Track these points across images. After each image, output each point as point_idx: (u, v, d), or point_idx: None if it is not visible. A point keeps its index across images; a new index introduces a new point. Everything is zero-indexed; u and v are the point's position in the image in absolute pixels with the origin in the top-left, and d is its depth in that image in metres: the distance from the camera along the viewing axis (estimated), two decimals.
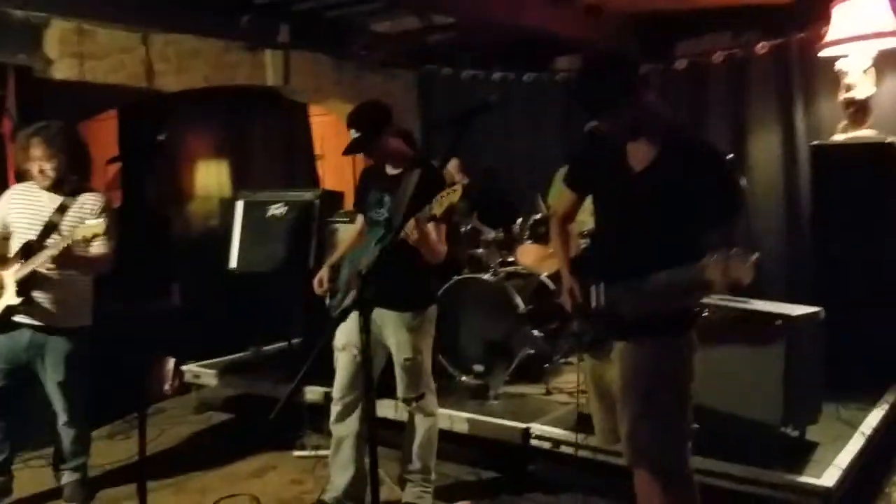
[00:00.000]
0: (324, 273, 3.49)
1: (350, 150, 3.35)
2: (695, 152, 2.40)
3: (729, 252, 2.12)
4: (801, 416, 3.48)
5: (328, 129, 7.66)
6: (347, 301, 3.31)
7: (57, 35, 4.69)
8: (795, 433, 3.47)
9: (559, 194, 2.93)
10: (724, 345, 3.46)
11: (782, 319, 3.40)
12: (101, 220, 3.25)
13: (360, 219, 3.60)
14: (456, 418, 4.01)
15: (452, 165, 5.53)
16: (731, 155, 4.02)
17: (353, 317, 3.28)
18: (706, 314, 3.53)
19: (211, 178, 6.50)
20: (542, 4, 5.00)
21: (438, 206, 3.00)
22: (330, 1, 5.27)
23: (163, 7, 4.91)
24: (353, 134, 3.30)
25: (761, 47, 5.17)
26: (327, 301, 3.50)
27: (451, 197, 2.99)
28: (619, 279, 2.43)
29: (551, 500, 3.58)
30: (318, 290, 3.48)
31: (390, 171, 3.42)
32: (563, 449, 3.64)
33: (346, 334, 3.35)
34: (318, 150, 7.05)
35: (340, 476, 3.44)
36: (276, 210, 5.24)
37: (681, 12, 5.37)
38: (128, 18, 4.90)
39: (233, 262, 5.26)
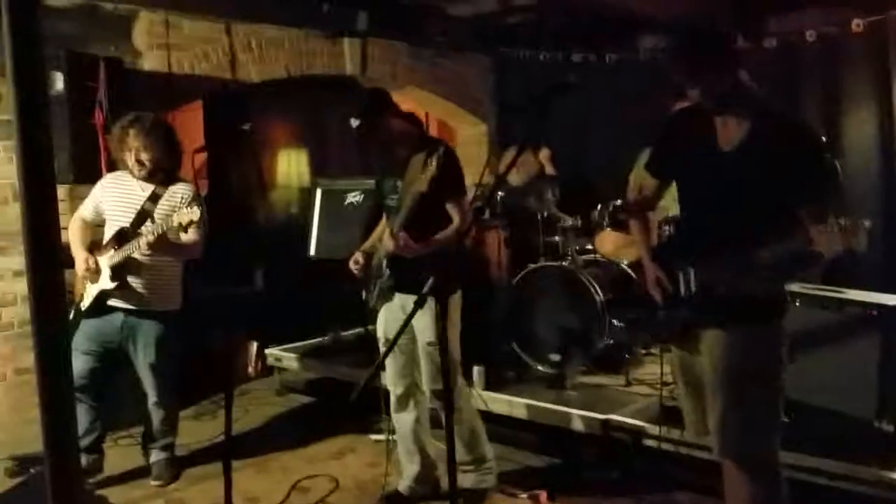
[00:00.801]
0: (357, 256, 3.43)
1: (358, 140, 3.31)
2: (788, 130, 2.30)
3: (837, 221, 2.03)
4: None
5: None
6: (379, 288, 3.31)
7: (145, 27, 4.85)
8: (890, 428, 3.31)
9: (640, 180, 2.83)
10: (817, 335, 3.32)
11: (878, 309, 3.24)
12: (197, 208, 3.33)
13: None
14: (532, 407, 3.98)
15: (544, 156, 5.46)
16: (825, 138, 3.86)
17: (388, 308, 3.32)
18: (798, 303, 3.41)
19: (291, 166, 6.63)
20: None
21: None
22: None
23: None
24: (354, 123, 3.23)
25: (857, 25, 4.91)
26: (363, 294, 3.45)
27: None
28: (713, 262, 2.33)
29: (631, 492, 3.52)
30: (353, 268, 3.41)
31: (402, 154, 3.32)
32: (646, 442, 3.57)
33: (384, 327, 3.37)
34: None
35: (409, 464, 3.47)
36: (353, 198, 5.30)
37: None
38: (212, 9, 5.03)
39: (312, 250, 5.36)
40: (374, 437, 4.24)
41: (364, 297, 3.46)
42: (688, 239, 2.55)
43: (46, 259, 1.01)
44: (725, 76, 2.31)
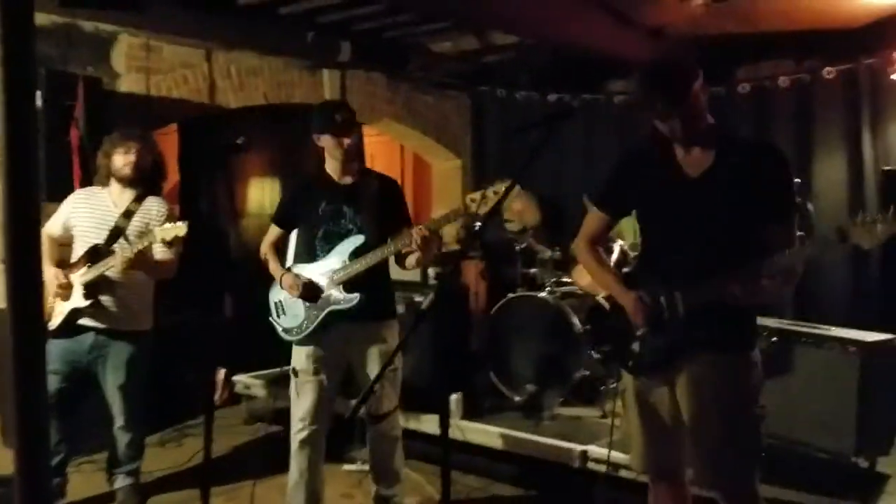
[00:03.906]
0: (296, 281, 3.22)
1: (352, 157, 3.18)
2: (752, 150, 2.35)
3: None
4: (873, 447, 3.35)
5: (378, 148, 7.73)
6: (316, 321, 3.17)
7: (124, 49, 4.82)
8: (866, 464, 3.33)
9: (588, 217, 2.71)
10: (796, 370, 3.36)
11: (856, 346, 3.29)
12: (182, 223, 3.27)
13: (273, 230, 3.40)
14: (509, 438, 3.94)
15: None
16: (798, 180, 3.94)
17: (325, 339, 3.14)
18: (775, 339, 3.44)
19: (265, 194, 6.56)
20: (606, 25, 4.97)
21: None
22: (390, 20, 5.31)
23: (227, 25, 5.00)
24: (346, 141, 3.12)
25: (828, 72, 5.06)
26: (275, 323, 3.34)
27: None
28: (694, 287, 2.27)
29: None
30: (292, 293, 3.22)
31: (345, 179, 3.21)
32: (623, 473, 3.53)
33: (311, 356, 3.18)
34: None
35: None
36: None
37: (743, 37, 5.30)
38: (193, 35, 5.00)
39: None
40: (347, 466, 4.15)
41: (285, 330, 3.30)
42: (665, 265, 2.41)
43: (27, 277, 0.97)
44: (699, 108, 2.29)
